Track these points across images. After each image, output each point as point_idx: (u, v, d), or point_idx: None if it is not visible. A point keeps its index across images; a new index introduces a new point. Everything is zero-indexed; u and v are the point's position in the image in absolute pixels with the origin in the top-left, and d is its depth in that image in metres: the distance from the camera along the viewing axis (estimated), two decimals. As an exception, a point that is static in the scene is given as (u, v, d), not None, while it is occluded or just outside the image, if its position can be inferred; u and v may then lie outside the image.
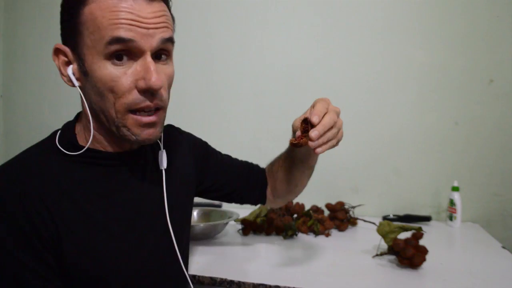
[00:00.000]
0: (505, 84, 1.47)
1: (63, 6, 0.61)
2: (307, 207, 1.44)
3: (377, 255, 1.08)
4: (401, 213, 1.53)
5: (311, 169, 0.88)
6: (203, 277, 0.95)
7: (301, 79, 1.61)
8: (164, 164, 0.73)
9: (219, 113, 1.69)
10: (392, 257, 1.07)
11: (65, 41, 0.62)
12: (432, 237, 1.18)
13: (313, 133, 0.66)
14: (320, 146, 0.67)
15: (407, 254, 0.99)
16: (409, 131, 1.55)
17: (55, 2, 2.07)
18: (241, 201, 0.96)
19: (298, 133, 0.71)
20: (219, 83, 1.68)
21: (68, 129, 0.66)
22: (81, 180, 0.62)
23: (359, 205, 1.45)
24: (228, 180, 0.93)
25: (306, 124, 0.70)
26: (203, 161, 0.89)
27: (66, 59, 0.62)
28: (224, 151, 0.96)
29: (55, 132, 0.67)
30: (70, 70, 0.61)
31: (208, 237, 1.25)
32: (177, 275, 0.75)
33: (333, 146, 0.71)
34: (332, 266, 1.04)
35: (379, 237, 1.07)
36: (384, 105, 1.56)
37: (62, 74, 0.62)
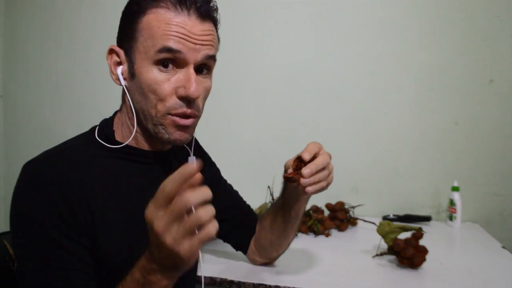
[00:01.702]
0: (505, 84, 1.47)
1: (124, 13, 0.68)
2: (307, 207, 1.43)
3: (377, 255, 1.08)
4: (401, 213, 1.53)
5: (296, 218, 0.89)
6: (203, 277, 0.94)
7: (301, 79, 1.61)
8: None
9: (219, 113, 1.69)
10: (392, 257, 1.07)
11: (120, 44, 0.69)
12: (432, 237, 1.18)
13: (305, 170, 0.69)
14: (310, 184, 0.70)
15: (407, 254, 0.99)
16: (409, 131, 1.55)
17: (55, 2, 2.06)
18: (226, 236, 0.97)
19: (290, 170, 0.74)
20: (219, 83, 1.66)
21: (107, 126, 0.72)
22: (116, 173, 0.67)
23: (359, 205, 1.45)
24: (225, 208, 0.94)
25: (300, 162, 0.72)
26: (213, 182, 0.93)
27: (118, 59, 0.69)
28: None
29: (93, 128, 0.72)
30: (119, 70, 0.68)
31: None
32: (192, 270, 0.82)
33: (323, 188, 0.74)
34: (332, 266, 1.04)
35: (379, 237, 1.07)
36: (384, 105, 1.56)
37: (112, 72, 0.69)
